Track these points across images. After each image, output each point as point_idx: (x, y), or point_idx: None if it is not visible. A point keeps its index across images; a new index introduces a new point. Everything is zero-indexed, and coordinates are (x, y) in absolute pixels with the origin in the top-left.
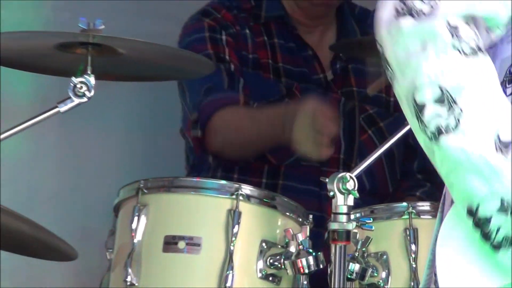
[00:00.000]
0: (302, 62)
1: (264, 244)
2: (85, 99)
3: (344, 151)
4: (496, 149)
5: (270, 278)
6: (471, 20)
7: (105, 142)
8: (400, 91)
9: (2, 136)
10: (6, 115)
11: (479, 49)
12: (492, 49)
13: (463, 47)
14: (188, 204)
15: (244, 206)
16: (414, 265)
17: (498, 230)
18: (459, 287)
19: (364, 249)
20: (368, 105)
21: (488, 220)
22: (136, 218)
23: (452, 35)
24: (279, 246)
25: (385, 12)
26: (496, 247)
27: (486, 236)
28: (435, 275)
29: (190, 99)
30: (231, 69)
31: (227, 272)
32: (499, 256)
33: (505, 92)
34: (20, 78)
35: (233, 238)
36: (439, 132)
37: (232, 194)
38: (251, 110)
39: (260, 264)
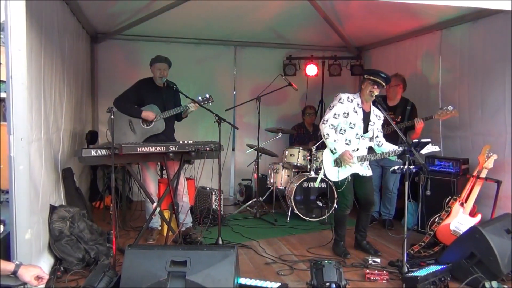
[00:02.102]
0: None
1: None
2: None
3: None
4: (334, 141)
5: None
6: (332, 125)
7: None
8: (321, 134)
9: None
10: None
11: (333, 128)
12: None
13: (330, 127)
14: None
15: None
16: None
17: (333, 152)
18: (326, 164)
19: (316, 156)
20: None
21: (332, 150)
22: None
23: (329, 127)
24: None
25: (321, 122)
26: (334, 153)
27: (332, 152)
28: (322, 161)
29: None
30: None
31: None
32: (334, 155)
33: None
34: None
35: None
36: (326, 138)
37: None
38: None
39: None
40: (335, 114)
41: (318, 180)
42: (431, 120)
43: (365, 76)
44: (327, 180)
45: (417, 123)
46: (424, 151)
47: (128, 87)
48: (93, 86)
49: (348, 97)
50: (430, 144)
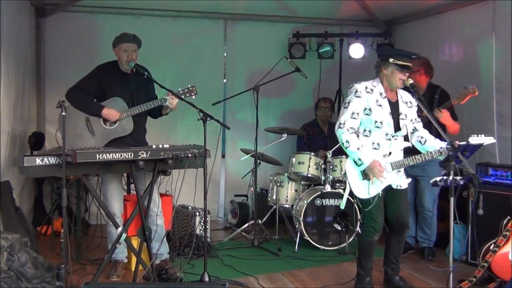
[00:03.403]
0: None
1: None
2: None
3: None
4: (358, 149)
5: None
6: (351, 128)
7: None
8: (339, 140)
9: None
10: None
11: (353, 132)
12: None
13: (350, 131)
14: None
15: None
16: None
17: (358, 163)
18: (351, 177)
19: (333, 165)
20: None
21: (356, 161)
22: None
23: (348, 131)
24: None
25: (336, 126)
26: (359, 166)
27: (356, 164)
28: (345, 175)
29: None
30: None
31: None
32: (359, 168)
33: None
34: None
35: None
36: (346, 147)
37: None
38: None
39: None
40: (353, 113)
41: (344, 200)
42: (482, 117)
43: (391, 60)
44: (353, 198)
45: (438, 115)
46: (475, 141)
47: (85, 74)
48: (38, 73)
49: (366, 87)
50: (483, 135)
